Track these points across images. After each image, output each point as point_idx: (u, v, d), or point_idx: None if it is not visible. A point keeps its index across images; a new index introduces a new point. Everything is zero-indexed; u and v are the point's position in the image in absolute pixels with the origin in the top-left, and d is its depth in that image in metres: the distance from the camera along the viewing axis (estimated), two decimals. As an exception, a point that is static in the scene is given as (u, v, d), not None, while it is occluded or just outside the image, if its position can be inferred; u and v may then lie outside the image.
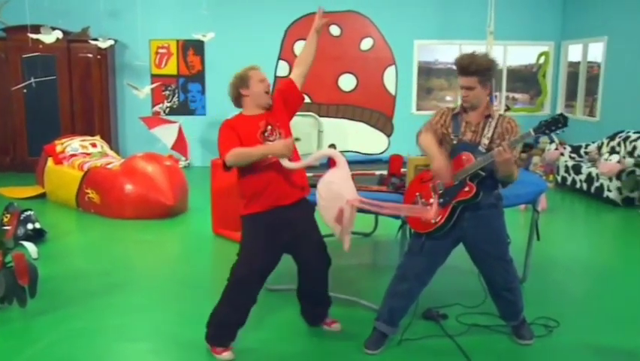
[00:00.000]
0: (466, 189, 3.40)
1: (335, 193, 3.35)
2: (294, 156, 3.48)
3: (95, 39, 9.29)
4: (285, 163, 3.39)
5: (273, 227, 3.53)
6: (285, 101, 3.68)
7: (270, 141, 3.47)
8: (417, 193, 3.59)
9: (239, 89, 3.56)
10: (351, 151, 10.38)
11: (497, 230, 3.63)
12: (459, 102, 3.60)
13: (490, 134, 3.45)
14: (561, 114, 3.27)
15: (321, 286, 3.87)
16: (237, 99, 3.61)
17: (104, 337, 3.91)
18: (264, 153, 3.38)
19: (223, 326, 3.62)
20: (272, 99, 3.60)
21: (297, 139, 3.48)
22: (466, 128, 3.51)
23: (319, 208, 3.46)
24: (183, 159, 9.97)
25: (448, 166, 3.42)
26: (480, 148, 3.43)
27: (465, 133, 3.50)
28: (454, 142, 3.50)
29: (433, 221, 3.45)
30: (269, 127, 3.52)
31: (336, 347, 3.78)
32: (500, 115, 3.54)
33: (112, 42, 9.45)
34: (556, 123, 3.21)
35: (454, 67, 3.49)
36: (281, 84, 3.82)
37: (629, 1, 8.77)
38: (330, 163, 4.22)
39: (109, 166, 7.39)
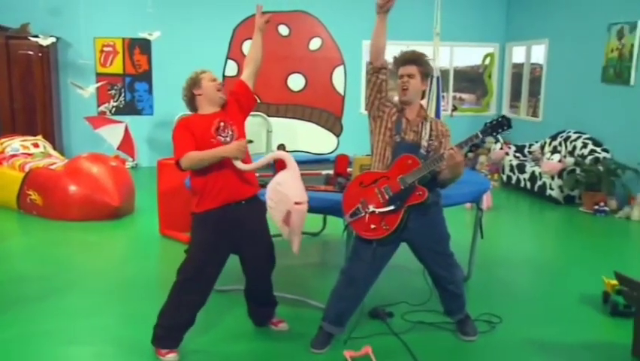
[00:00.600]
0: (419, 193, 3.42)
1: (282, 195, 3.34)
2: (246, 157, 3.51)
3: (36, 36, 9.03)
4: (238, 165, 3.43)
5: (224, 225, 3.53)
6: (238, 102, 3.70)
7: (222, 136, 3.50)
8: (361, 198, 3.51)
9: (192, 90, 3.59)
10: (301, 151, 10.38)
11: (440, 227, 3.71)
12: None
13: (427, 137, 3.52)
14: (504, 116, 3.37)
15: (266, 285, 3.87)
16: (192, 101, 3.62)
17: (45, 341, 3.80)
18: (217, 155, 3.40)
19: (170, 328, 3.57)
20: (225, 96, 3.63)
21: (249, 141, 3.48)
22: (407, 127, 3.55)
23: (268, 209, 3.45)
24: (130, 159, 9.79)
25: None
26: (421, 150, 3.49)
27: (407, 132, 3.54)
28: (397, 140, 3.53)
29: (385, 227, 3.47)
30: (222, 123, 3.53)
31: (283, 346, 3.77)
32: (431, 118, 3.63)
33: (53, 39, 9.18)
34: (501, 126, 3.34)
35: (392, 65, 3.57)
36: (232, 86, 3.81)
37: (568, 5, 9.03)
38: (276, 166, 4.23)
39: (52, 167, 7.20)
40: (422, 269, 3.88)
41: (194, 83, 3.58)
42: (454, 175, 3.45)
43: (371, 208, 3.47)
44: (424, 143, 3.50)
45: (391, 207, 3.43)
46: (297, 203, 3.33)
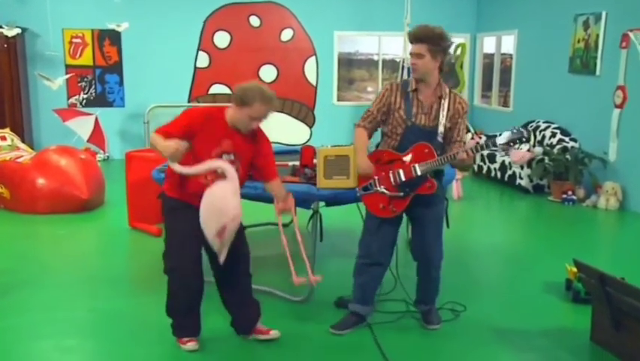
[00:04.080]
0: (428, 185, 3.54)
1: (217, 209, 3.22)
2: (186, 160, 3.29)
3: (0, 27, 8.89)
4: (174, 166, 3.28)
5: (193, 214, 3.30)
6: (256, 154, 3.54)
7: (226, 155, 3.37)
8: (375, 176, 3.60)
9: (235, 100, 3.33)
10: (274, 142, 10.33)
11: (439, 212, 3.78)
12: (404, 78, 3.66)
13: (444, 121, 3.54)
14: (526, 129, 3.59)
15: (245, 278, 3.69)
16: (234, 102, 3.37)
17: (8, 337, 3.77)
18: (157, 146, 3.22)
19: (177, 316, 3.54)
20: (252, 129, 3.42)
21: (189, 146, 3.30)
22: (418, 109, 3.56)
23: (201, 221, 3.25)
24: (101, 152, 9.70)
25: (371, 168, 3.57)
26: (438, 138, 3.55)
27: (417, 116, 3.55)
28: (409, 124, 3.55)
29: (393, 209, 3.59)
30: (231, 155, 3.39)
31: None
32: (451, 92, 3.60)
33: (19, 30, 9.01)
34: (520, 138, 3.47)
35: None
36: (270, 152, 3.66)
37: (537, -5, 9.11)
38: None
39: (19, 160, 7.11)
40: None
41: (242, 101, 3.29)
42: (463, 167, 3.67)
43: (382, 189, 3.57)
44: (441, 128, 3.55)
45: (400, 194, 3.55)
46: (234, 216, 3.24)
